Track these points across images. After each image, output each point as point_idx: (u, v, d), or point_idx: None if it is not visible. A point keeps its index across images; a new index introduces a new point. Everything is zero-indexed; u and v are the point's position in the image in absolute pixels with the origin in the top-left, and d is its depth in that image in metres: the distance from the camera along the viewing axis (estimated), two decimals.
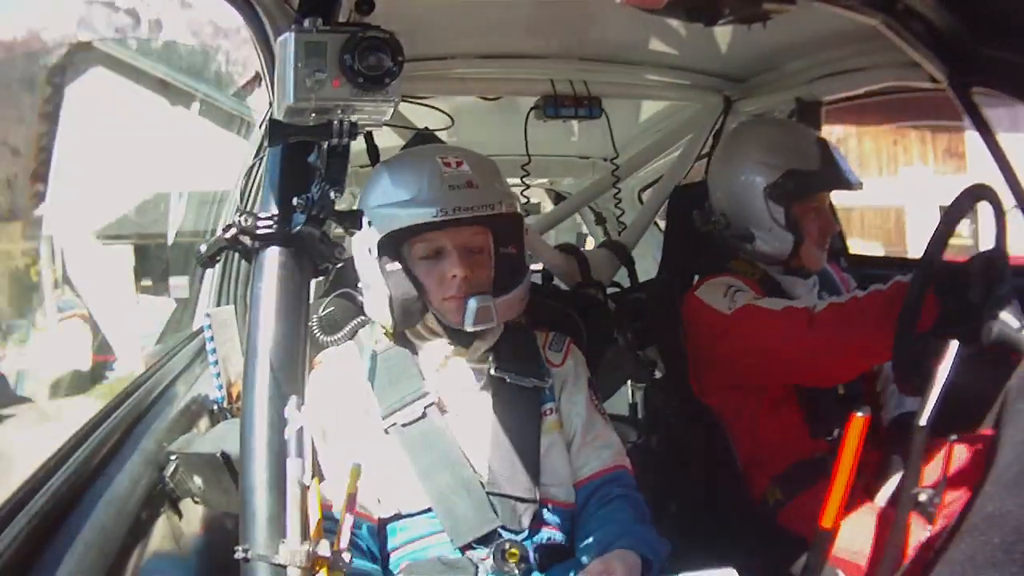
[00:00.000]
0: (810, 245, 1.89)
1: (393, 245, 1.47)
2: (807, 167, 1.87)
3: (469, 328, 1.45)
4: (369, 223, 1.46)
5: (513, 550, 1.38)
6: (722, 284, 1.87)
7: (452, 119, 2.07)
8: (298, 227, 1.07)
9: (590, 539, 1.43)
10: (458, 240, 1.47)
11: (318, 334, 1.60)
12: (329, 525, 1.04)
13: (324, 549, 0.98)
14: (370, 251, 1.47)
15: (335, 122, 1.01)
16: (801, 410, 1.84)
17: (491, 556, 1.38)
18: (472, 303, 1.44)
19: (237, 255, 1.15)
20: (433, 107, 2.07)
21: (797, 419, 1.84)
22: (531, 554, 1.40)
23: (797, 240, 1.88)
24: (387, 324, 1.52)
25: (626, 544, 1.36)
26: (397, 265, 1.47)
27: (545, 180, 3.31)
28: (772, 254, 1.92)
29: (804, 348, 1.70)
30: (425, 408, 1.47)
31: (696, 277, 2.03)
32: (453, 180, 1.44)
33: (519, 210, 1.52)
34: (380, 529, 1.44)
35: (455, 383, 1.51)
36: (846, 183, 1.91)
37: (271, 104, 1.13)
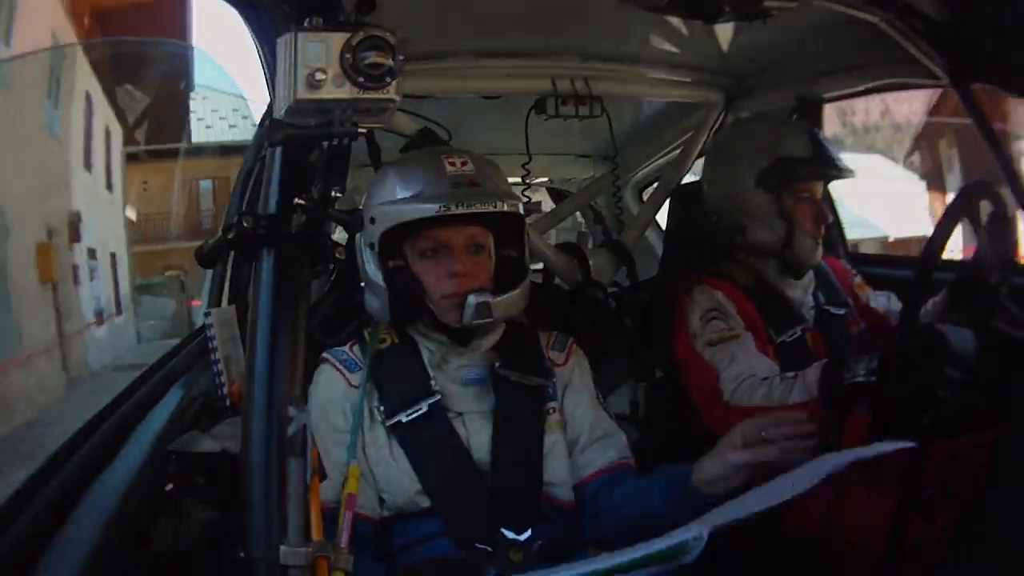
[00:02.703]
0: (803, 235, 1.88)
1: (395, 242, 1.48)
2: (797, 154, 1.87)
3: (467, 322, 1.45)
4: (372, 220, 1.47)
5: (516, 549, 1.38)
6: (707, 302, 1.85)
7: (450, 133, 2.06)
8: (299, 227, 1.07)
9: (596, 536, 1.43)
10: (459, 238, 1.47)
11: (318, 335, 1.60)
12: (330, 525, 1.04)
13: (325, 549, 0.98)
14: (372, 246, 1.48)
15: (336, 122, 1.01)
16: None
17: (493, 555, 1.38)
18: (471, 299, 1.44)
19: (237, 255, 1.15)
20: (430, 119, 2.07)
21: None
22: (533, 553, 1.40)
23: (789, 229, 1.88)
24: (385, 320, 1.52)
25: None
26: (398, 262, 1.49)
27: (546, 179, 3.31)
28: (765, 243, 1.90)
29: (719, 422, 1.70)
30: (429, 406, 1.47)
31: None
32: (457, 178, 1.46)
33: (520, 211, 1.52)
34: (383, 529, 1.44)
35: (458, 381, 1.51)
36: (836, 171, 1.91)
37: (272, 103, 1.13)
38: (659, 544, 1.04)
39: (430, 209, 1.42)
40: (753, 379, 1.69)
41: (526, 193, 2.38)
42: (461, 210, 1.41)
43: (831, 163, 1.89)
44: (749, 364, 1.73)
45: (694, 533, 1.04)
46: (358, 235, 1.52)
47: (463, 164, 1.48)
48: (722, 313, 1.83)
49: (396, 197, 1.47)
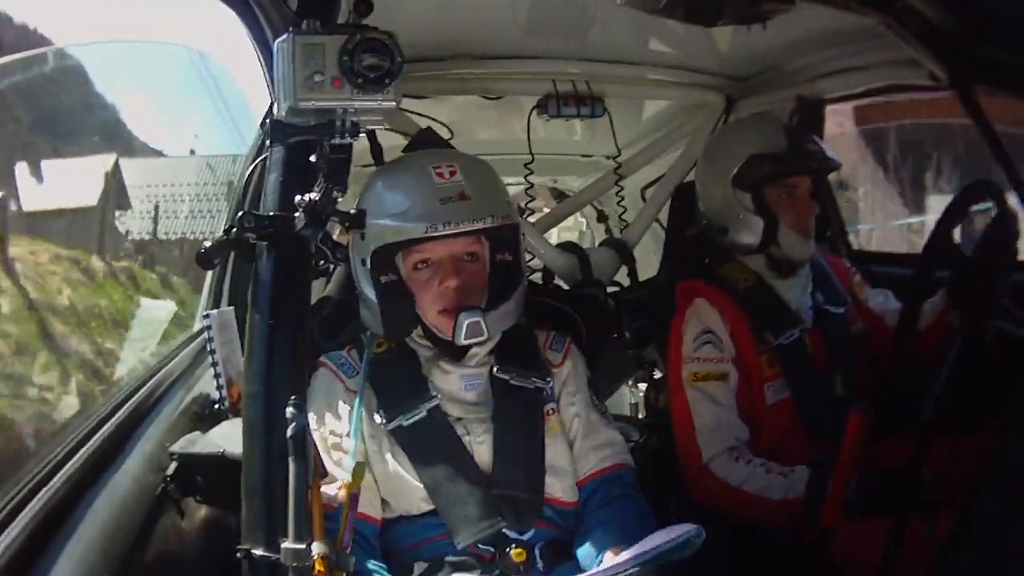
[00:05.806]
0: (787, 231, 1.86)
1: (387, 256, 1.46)
2: (771, 151, 1.86)
3: (461, 343, 1.45)
4: (362, 236, 1.45)
5: (518, 549, 1.39)
6: (704, 322, 1.86)
7: (451, 131, 2.06)
8: (299, 228, 1.07)
9: (589, 539, 1.42)
10: (451, 250, 1.45)
11: (317, 338, 1.60)
12: (331, 525, 1.04)
13: (325, 548, 0.98)
14: (364, 262, 1.47)
15: (336, 122, 1.01)
16: (799, 413, 1.83)
17: (496, 556, 1.39)
18: (463, 318, 1.43)
19: (238, 255, 1.15)
20: (432, 118, 2.06)
21: (795, 422, 1.83)
22: (536, 553, 1.40)
23: (769, 224, 1.87)
24: (380, 334, 1.52)
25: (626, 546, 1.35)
26: (391, 277, 1.47)
27: (547, 179, 3.31)
28: (747, 242, 1.90)
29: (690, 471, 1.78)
30: (428, 409, 1.46)
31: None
32: (445, 192, 1.42)
33: (515, 219, 1.50)
34: (385, 531, 1.44)
35: (457, 384, 1.51)
36: (816, 165, 1.90)
37: (272, 105, 1.13)
38: (664, 544, 1.17)
39: (416, 230, 1.40)
40: (738, 454, 1.74)
41: (529, 192, 2.38)
42: (449, 230, 1.40)
43: (807, 156, 1.88)
44: (723, 418, 1.78)
45: (693, 532, 1.16)
46: (351, 247, 1.50)
47: (452, 174, 1.45)
48: (716, 337, 1.83)
49: (383, 213, 1.44)
